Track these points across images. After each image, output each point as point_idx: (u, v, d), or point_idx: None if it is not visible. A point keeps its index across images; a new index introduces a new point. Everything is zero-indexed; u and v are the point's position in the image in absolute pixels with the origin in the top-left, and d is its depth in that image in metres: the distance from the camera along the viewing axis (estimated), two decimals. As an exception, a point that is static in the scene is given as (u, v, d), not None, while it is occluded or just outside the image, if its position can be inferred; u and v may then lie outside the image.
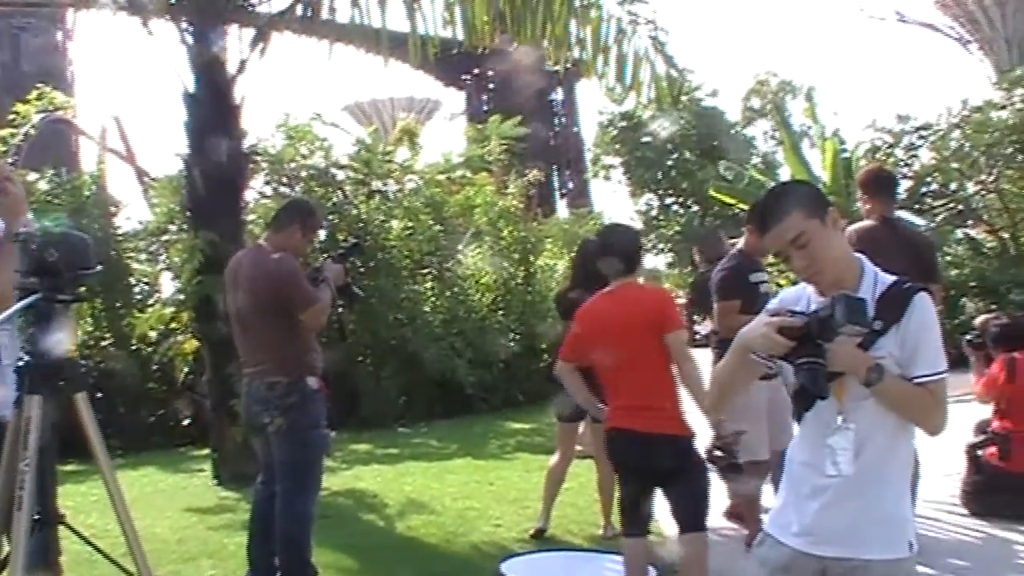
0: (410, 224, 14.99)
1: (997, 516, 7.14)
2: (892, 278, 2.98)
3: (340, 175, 14.93)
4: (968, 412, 7.92)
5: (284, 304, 5.65)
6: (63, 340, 3.37)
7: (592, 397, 5.78)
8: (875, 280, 2.97)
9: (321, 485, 6.08)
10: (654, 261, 31.47)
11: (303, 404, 5.72)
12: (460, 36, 9.89)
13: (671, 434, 5.17)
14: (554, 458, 7.81)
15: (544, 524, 7.37)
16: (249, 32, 9.80)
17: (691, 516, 5.31)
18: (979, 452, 7.45)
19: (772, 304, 3.06)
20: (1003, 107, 19.26)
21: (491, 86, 49.37)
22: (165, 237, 14.11)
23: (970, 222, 20.61)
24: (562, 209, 42.25)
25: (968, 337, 7.87)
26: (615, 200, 62.49)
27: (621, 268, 5.38)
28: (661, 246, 32.91)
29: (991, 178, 19.47)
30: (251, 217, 12.20)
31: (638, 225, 33.76)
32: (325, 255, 6.50)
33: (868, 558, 2.92)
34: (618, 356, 5.27)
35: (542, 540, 7.13)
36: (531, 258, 16.20)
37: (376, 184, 15.13)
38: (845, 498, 2.91)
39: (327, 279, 5.92)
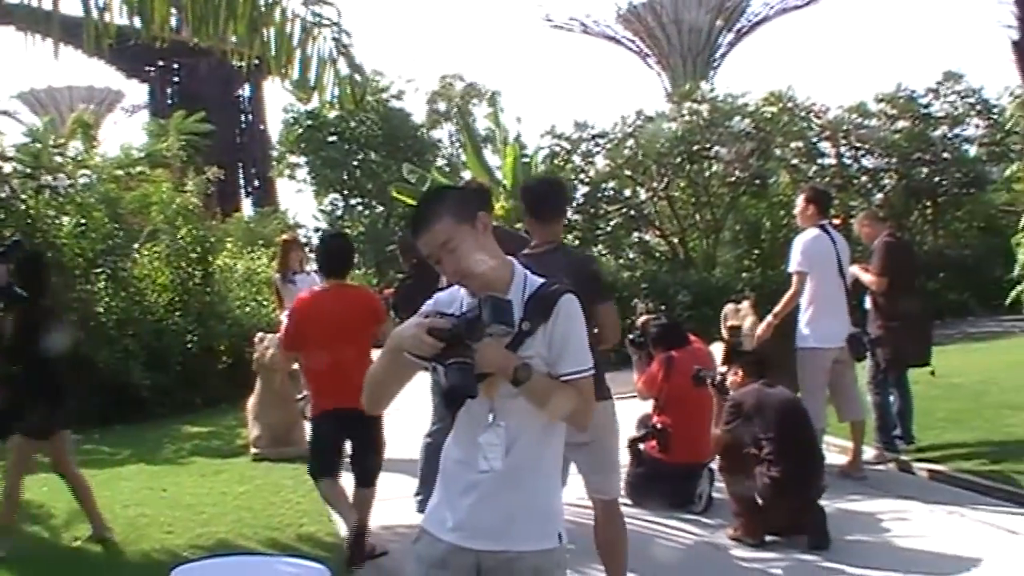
0: (83, 221, 14.31)
1: (658, 505, 7.54)
2: (541, 280, 3.13)
3: (7, 168, 14.12)
4: (631, 408, 8.35)
5: None
6: None
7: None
8: (524, 282, 3.11)
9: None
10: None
11: None
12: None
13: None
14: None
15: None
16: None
17: (368, 471, 6.65)
18: (641, 445, 7.84)
19: (427, 305, 3.15)
20: (673, 119, 20.30)
21: (176, 80, 48.01)
22: None
23: (642, 227, 21.62)
24: (248, 207, 41.59)
25: (630, 336, 8.27)
26: (301, 199, 62.13)
27: (337, 270, 6.68)
28: (346, 247, 32.79)
29: (662, 186, 20.50)
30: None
31: (323, 225, 33.64)
32: None
33: (520, 550, 3.06)
34: (332, 345, 6.32)
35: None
36: (210, 258, 15.82)
37: (46, 178, 14.40)
38: (497, 493, 3.04)
39: None
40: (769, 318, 8.35)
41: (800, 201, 8.63)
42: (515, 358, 2.97)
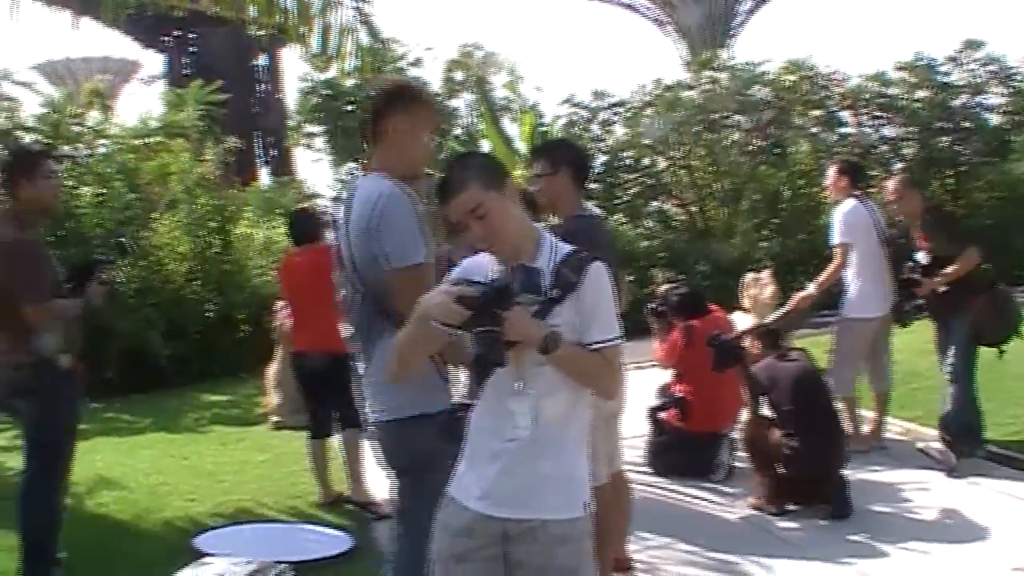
0: (102, 191, 14.36)
1: (678, 474, 7.59)
2: (569, 247, 3.12)
3: (27, 138, 14.14)
4: (652, 377, 8.34)
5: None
6: None
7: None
8: (553, 249, 3.09)
9: (67, 471, 5.79)
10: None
11: (52, 386, 5.39)
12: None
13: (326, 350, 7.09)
14: None
15: None
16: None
17: (348, 415, 6.95)
18: (661, 415, 7.85)
19: (454, 273, 3.14)
20: (692, 88, 20.15)
21: (192, 49, 47.81)
22: None
23: (661, 196, 21.51)
24: (265, 177, 41.45)
25: (651, 305, 8.26)
26: (318, 169, 62.09)
27: (305, 238, 7.65)
28: (364, 216, 32.82)
29: (681, 155, 20.39)
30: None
31: (341, 195, 33.49)
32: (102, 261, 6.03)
33: (545, 518, 3.05)
34: (296, 294, 7.68)
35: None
36: (229, 227, 15.83)
37: (65, 148, 14.41)
38: (523, 461, 3.04)
39: (89, 299, 5.59)
40: (811, 288, 8.28)
41: (832, 173, 8.60)
42: (543, 326, 2.95)
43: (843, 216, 8.17)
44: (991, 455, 7.67)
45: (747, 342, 7.11)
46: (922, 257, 7.72)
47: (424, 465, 3.69)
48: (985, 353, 7.64)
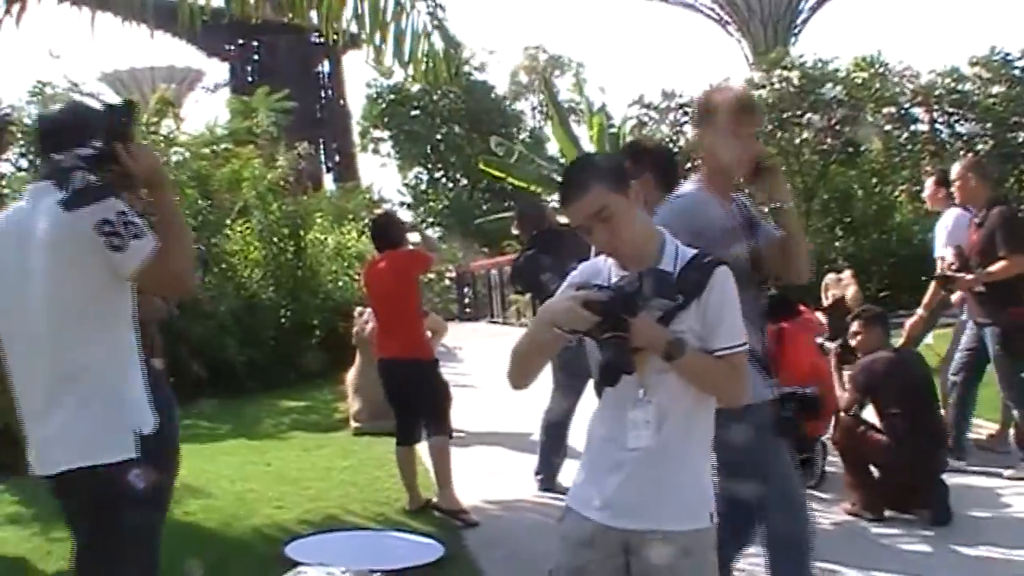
0: (175, 198, 14.45)
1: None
2: (692, 251, 3.01)
3: (101, 147, 14.27)
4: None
5: None
6: None
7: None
8: (676, 254, 2.99)
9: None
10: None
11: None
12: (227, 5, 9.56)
13: (414, 358, 7.07)
14: None
15: None
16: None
17: (436, 422, 7.06)
18: (752, 418, 7.73)
19: (573, 277, 3.06)
20: (763, 86, 19.95)
21: (256, 57, 48.31)
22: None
23: (734, 196, 21.28)
24: (329, 183, 41.80)
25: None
26: (384, 174, 62.36)
27: (386, 244, 7.40)
28: (430, 220, 32.94)
29: (752, 154, 20.16)
30: (6, 191, 11.48)
31: (408, 199, 33.77)
32: None
33: (669, 529, 2.94)
34: (381, 301, 7.44)
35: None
36: (301, 232, 15.93)
37: (140, 156, 14.52)
38: (646, 471, 2.93)
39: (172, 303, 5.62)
40: (920, 311, 8.25)
41: (930, 184, 8.50)
42: (668, 333, 2.84)
43: (944, 229, 8.01)
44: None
45: (856, 327, 7.00)
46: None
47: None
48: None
